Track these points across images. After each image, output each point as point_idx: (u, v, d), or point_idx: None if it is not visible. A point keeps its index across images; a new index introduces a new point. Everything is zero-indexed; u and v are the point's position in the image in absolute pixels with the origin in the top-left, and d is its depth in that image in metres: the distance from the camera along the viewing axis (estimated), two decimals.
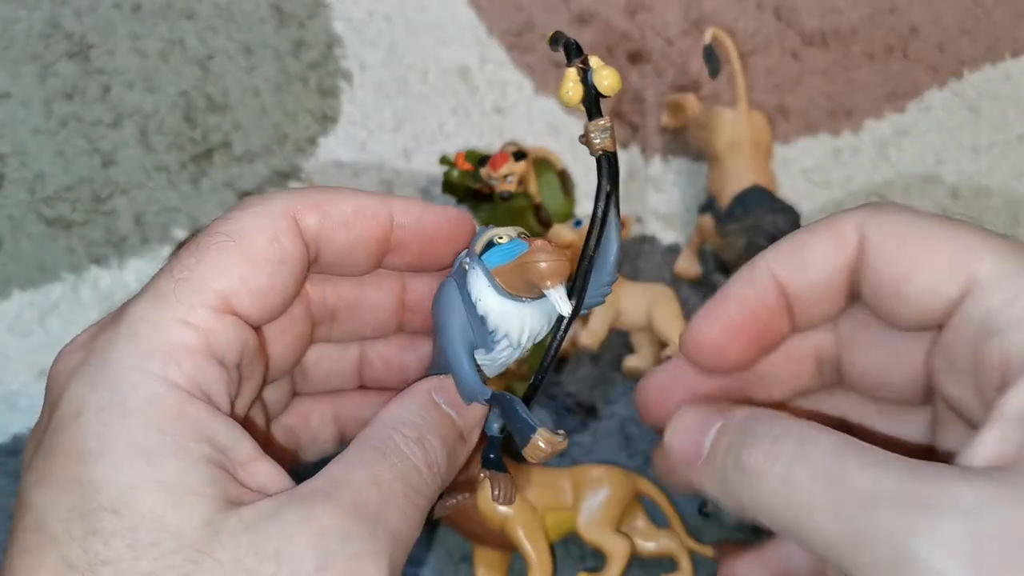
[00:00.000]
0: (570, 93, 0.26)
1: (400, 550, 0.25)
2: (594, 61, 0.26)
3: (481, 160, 0.48)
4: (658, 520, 0.43)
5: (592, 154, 0.26)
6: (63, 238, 0.52)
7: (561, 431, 0.26)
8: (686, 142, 0.56)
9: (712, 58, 0.52)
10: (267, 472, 0.25)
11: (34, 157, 0.54)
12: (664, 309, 0.47)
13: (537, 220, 0.48)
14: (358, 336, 0.32)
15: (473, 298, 0.27)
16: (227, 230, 0.26)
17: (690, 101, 0.54)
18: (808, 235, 0.27)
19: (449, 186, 0.49)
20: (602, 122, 0.26)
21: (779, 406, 0.30)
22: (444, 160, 0.50)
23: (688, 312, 0.48)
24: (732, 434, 0.25)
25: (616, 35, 0.59)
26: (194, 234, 0.46)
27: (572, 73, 0.26)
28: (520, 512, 0.41)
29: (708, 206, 0.51)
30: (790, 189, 0.55)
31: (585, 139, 0.26)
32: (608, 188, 0.26)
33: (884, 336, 0.28)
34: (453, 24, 0.59)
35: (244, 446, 0.25)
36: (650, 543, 0.43)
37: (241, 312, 0.26)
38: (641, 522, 0.43)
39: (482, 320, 0.27)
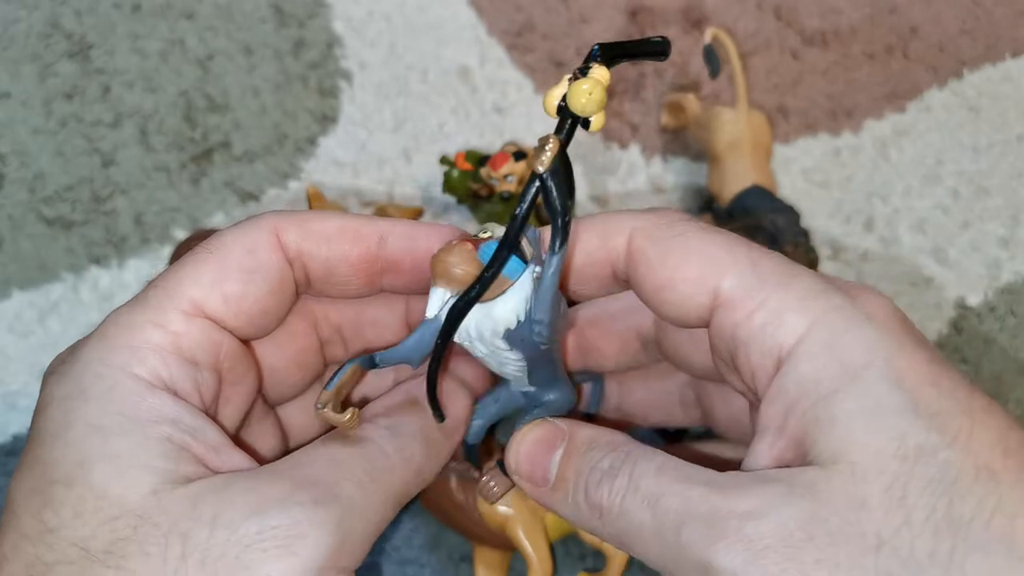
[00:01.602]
0: (588, 98, 0.23)
1: (356, 521, 0.25)
2: (600, 73, 0.23)
3: (481, 160, 0.48)
4: None
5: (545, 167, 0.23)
6: (63, 238, 0.52)
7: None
8: (686, 142, 0.56)
9: (712, 58, 0.52)
10: (240, 460, 0.26)
11: (34, 157, 0.54)
12: None
13: (537, 220, 0.48)
14: (334, 295, 0.33)
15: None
16: (209, 245, 0.28)
17: (690, 101, 0.54)
18: (583, 230, 0.28)
19: (449, 186, 0.49)
20: (547, 141, 0.23)
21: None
22: (444, 160, 0.50)
23: None
24: (576, 463, 0.27)
25: (616, 35, 0.59)
26: (188, 240, 0.46)
27: (603, 76, 0.23)
28: (520, 512, 0.41)
29: (708, 206, 0.51)
30: (790, 189, 0.55)
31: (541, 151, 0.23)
32: (521, 212, 0.24)
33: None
34: (453, 24, 0.59)
35: (211, 434, 0.26)
36: None
37: (213, 316, 0.27)
38: None
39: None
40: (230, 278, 0.27)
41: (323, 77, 0.57)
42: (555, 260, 0.25)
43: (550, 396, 0.30)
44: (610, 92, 0.25)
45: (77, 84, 0.55)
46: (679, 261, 0.26)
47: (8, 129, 0.54)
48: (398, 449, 0.27)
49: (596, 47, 0.23)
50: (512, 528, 0.41)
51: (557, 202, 0.24)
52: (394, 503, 0.27)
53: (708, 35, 0.52)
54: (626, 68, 0.58)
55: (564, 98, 0.23)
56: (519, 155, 0.48)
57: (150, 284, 0.27)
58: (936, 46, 0.60)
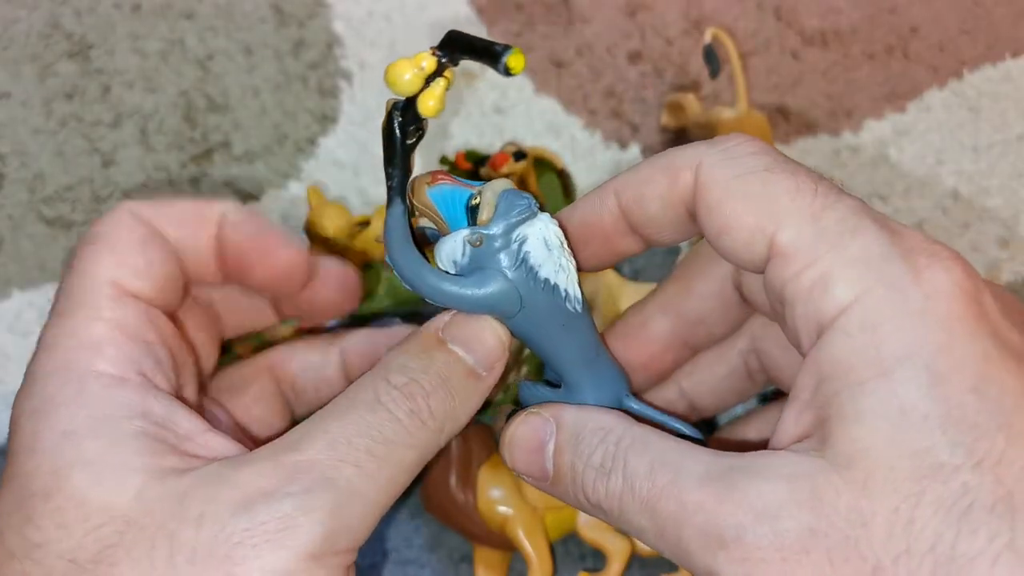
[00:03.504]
0: (406, 79, 0.24)
1: (355, 505, 0.24)
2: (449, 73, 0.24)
3: (481, 160, 0.48)
4: None
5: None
6: (63, 238, 0.52)
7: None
8: (686, 142, 0.55)
9: (712, 58, 0.52)
10: (220, 443, 0.26)
11: (34, 157, 0.54)
12: None
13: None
14: (245, 330, 0.33)
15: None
16: (86, 239, 0.28)
17: (690, 101, 0.54)
18: (652, 169, 0.27)
19: None
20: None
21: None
22: (444, 160, 0.50)
23: None
24: (570, 460, 0.26)
25: (616, 35, 0.59)
26: None
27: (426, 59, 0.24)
28: (520, 512, 0.41)
29: None
30: None
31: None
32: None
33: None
34: (453, 24, 0.59)
35: (185, 420, 0.25)
36: None
37: (134, 291, 0.27)
38: None
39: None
40: (128, 253, 0.27)
41: (323, 77, 0.57)
42: (388, 213, 0.25)
43: (575, 395, 0.28)
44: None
45: (77, 84, 0.55)
46: (738, 206, 0.24)
47: (8, 129, 0.54)
48: (412, 412, 0.25)
49: (449, 33, 0.24)
50: (512, 528, 0.41)
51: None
52: (407, 473, 0.25)
53: (708, 35, 0.52)
54: (626, 68, 0.58)
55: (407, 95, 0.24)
56: (519, 155, 0.48)
57: (60, 292, 0.27)
58: (936, 46, 0.60)
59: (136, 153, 0.54)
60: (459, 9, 0.59)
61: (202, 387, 0.31)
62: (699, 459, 0.23)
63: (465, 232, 0.26)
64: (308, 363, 0.34)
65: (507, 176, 0.47)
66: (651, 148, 0.56)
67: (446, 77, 0.24)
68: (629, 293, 0.47)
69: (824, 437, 0.22)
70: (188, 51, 0.57)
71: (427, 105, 0.24)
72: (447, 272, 0.26)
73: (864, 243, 0.23)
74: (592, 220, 0.28)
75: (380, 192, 0.54)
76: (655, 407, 0.29)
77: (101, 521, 0.23)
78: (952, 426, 0.21)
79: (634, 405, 0.28)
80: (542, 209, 0.26)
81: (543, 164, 0.50)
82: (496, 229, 0.25)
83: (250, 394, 0.33)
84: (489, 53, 0.23)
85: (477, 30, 0.59)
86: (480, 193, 0.26)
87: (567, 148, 0.55)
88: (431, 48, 0.24)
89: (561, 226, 0.27)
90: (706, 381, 0.32)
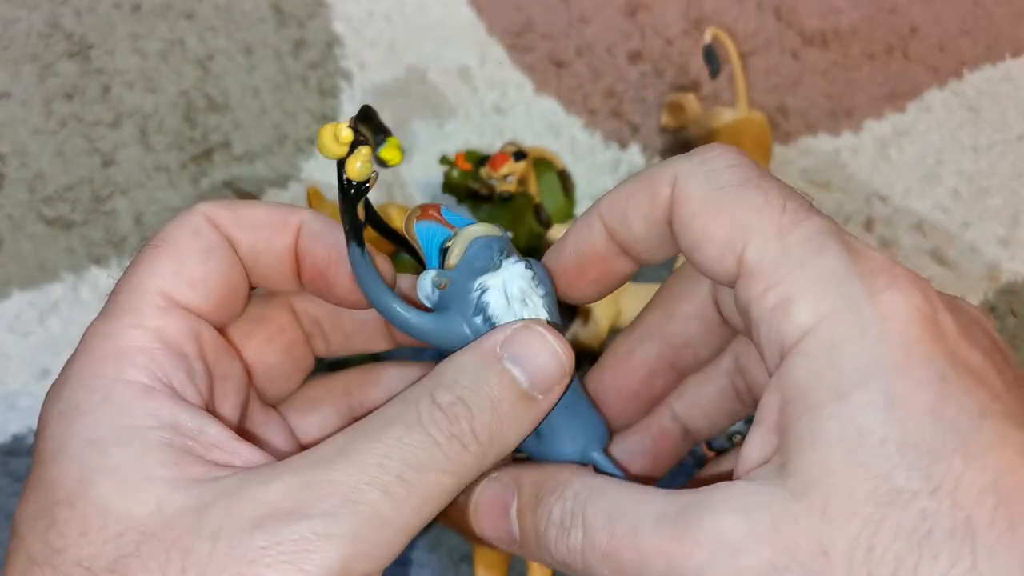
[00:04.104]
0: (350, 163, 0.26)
1: (379, 532, 0.23)
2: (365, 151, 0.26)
3: (481, 160, 0.48)
4: None
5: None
6: (63, 238, 0.52)
7: None
8: (686, 142, 0.56)
9: (712, 58, 0.52)
10: (248, 453, 0.25)
11: (34, 157, 0.54)
12: None
13: (537, 220, 0.48)
14: (356, 351, 0.32)
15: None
16: (154, 240, 0.27)
17: (690, 101, 0.54)
18: (631, 186, 0.26)
19: (449, 186, 0.49)
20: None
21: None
22: (444, 160, 0.50)
23: None
24: (532, 522, 0.25)
25: (616, 35, 0.59)
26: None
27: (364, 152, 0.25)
28: None
29: None
30: None
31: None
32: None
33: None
34: (453, 24, 0.59)
35: (213, 430, 0.25)
36: None
37: (184, 303, 0.27)
38: None
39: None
40: (189, 263, 0.27)
41: (323, 77, 0.57)
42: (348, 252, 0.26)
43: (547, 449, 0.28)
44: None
45: (77, 84, 0.55)
46: (709, 220, 0.24)
47: (8, 129, 0.54)
48: (453, 436, 0.24)
49: (362, 107, 0.25)
50: None
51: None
52: (440, 498, 0.24)
53: (708, 35, 0.52)
54: (626, 68, 0.58)
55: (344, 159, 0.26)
56: (519, 155, 0.48)
57: (113, 292, 0.27)
58: (936, 46, 0.60)
59: (136, 153, 0.54)
60: (459, 9, 0.59)
61: (259, 402, 0.31)
62: (654, 501, 0.23)
63: (432, 273, 0.27)
64: (392, 387, 0.32)
65: (507, 176, 0.47)
66: (651, 148, 0.56)
67: (370, 145, 0.25)
68: (630, 293, 0.47)
69: (783, 463, 0.22)
70: (188, 51, 0.57)
71: (354, 168, 0.26)
72: (415, 305, 0.27)
73: (826, 263, 0.22)
74: (584, 248, 0.28)
75: (380, 193, 0.54)
76: (619, 465, 0.28)
77: (120, 530, 0.23)
78: (909, 450, 0.21)
79: (600, 460, 0.28)
80: (531, 254, 0.27)
81: (543, 164, 0.50)
82: (458, 276, 0.26)
83: (322, 413, 0.32)
84: (375, 137, 0.25)
85: (477, 30, 0.59)
86: (455, 237, 0.26)
87: (567, 148, 0.55)
88: (350, 118, 0.25)
89: (552, 263, 0.28)
90: (698, 404, 0.32)
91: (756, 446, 0.23)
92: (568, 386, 0.26)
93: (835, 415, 0.21)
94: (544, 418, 0.26)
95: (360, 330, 0.31)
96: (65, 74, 0.56)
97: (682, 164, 0.25)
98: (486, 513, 0.27)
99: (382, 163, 0.25)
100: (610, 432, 0.29)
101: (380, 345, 0.32)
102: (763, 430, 0.23)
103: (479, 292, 0.26)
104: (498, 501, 0.26)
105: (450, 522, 0.43)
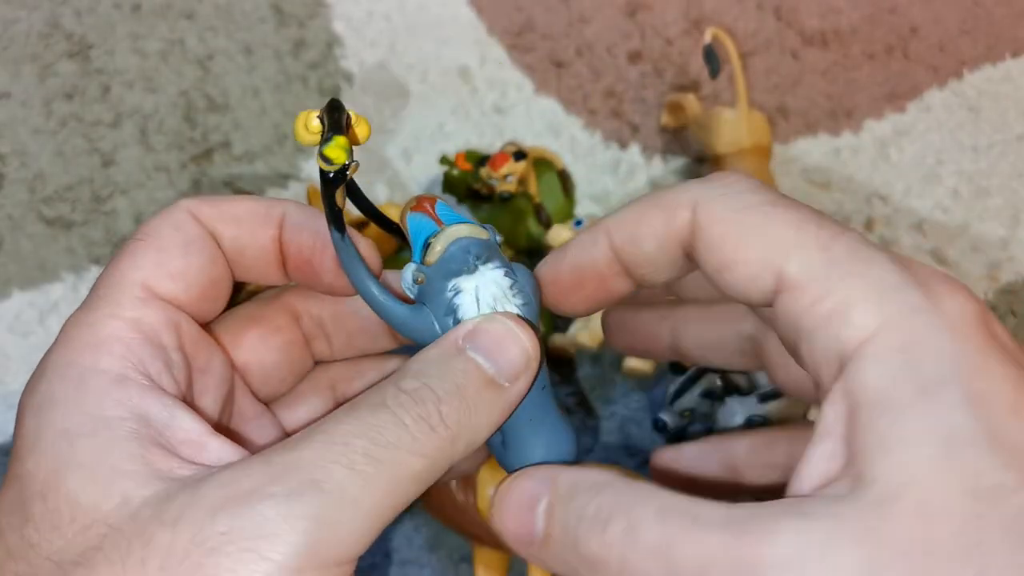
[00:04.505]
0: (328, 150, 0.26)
1: (345, 512, 0.22)
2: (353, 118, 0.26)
3: (481, 160, 0.48)
4: None
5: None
6: (63, 238, 0.52)
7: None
8: (686, 142, 0.56)
9: (712, 58, 0.52)
10: (219, 448, 0.25)
11: (34, 157, 0.54)
12: None
13: (537, 220, 0.48)
14: (360, 351, 0.32)
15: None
16: (136, 234, 0.27)
17: (690, 101, 0.54)
18: (645, 207, 0.26)
19: (449, 186, 0.49)
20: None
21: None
22: (444, 160, 0.50)
23: None
24: (562, 514, 0.24)
25: (616, 35, 0.59)
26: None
27: (340, 141, 0.26)
28: None
29: None
30: (790, 189, 0.55)
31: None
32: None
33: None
34: (453, 24, 0.59)
35: (186, 423, 0.25)
36: None
37: (164, 294, 0.27)
38: None
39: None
40: (170, 255, 0.27)
41: (323, 77, 0.57)
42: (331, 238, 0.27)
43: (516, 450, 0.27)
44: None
45: (77, 84, 0.55)
46: (740, 240, 0.24)
47: (8, 129, 0.54)
48: (420, 417, 0.24)
49: (330, 101, 0.26)
50: None
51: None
52: (412, 482, 0.24)
53: (708, 35, 0.52)
54: (626, 68, 0.58)
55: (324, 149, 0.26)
56: (519, 155, 0.48)
57: (95, 285, 0.27)
58: (936, 46, 0.60)
59: (136, 153, 0.54)
60: (459, 9, 0.59)
61: (252, 398, 0.31)
62: (715, 507, 0.22)
63: (412, 266, 0.27)
64: (374, 380, 0.32)
65: (507, 176, 0.47)
66: (651, 148, 0.56)
67: (344, 135, 0.26)
68: None
69: (860, 474, 0.21)
70: (188, 51, 0.57)
71: (330, 154, 0.26)
72: (397, 292, 0.27)
73: (879, 271, 0.22)
74: (584, 262, 0.27)
75: (379, 192, 0.54)
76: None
77: (87, 524, 0.22)
78: (998, 447, 0.20)
79: None
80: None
81: (543, 164, 0.50)
82: (433, 273, 0.26)
83: (308, 405, 0.32)
84: (324, 134, 0.26)
85: (477, 30, 0.59)
86: (439, 234, 0.26)
87: (567, 148, 0.55)
88: (320, 109, 0.26)
89: (548, 272, 0.28)
90: (700, 335, 0.32)
91: (821, 461, 0.22)
92: (534, 381, 0.26)
93: (920, 414, 0.21)
94: (513, 412, 0.26)
95: (363, 330, 0.31)
96: (65, 74, 0.56)
97: (701, 188, 0.25)
98: (511, 505, 0.25)
99: (326, 159, 0.25)
100: (578, 447, 0.29)
101: (383, 345, 0.32)
102: (830, 443, 0.22)
103: (452, 293, 0.26)
104: (527, 494, 0.25)
105: (450, 522, 0.43)
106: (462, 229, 0.26)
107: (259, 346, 0.30)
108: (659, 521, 0.22)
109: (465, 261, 0.26)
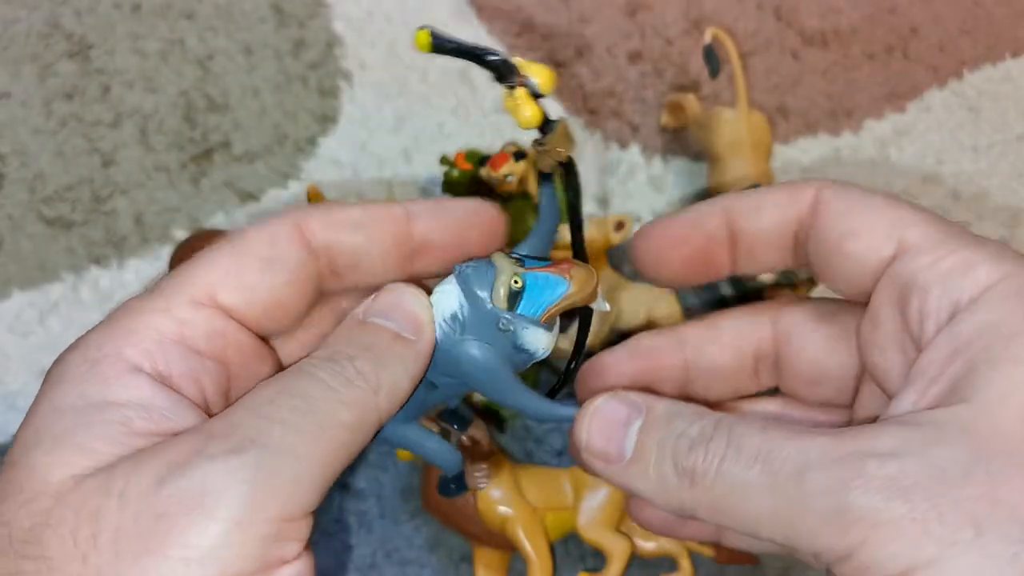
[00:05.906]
0: (528, 115, 0.26)
1: (285, 464, 0.23)
2: (522, 65, 0.26)
3: (481, 160, 0.48)
4: None
5: (549, 168, 0.26)
6: (63, 238, 0.52)
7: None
8: (686, 142, 0.56)
9: (712, 58, 0.52)
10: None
11: (34, 157, 0.54)
12: (664, 310, 0.47)
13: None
14: (366, 286, 0.32)
15: (530, 349, 0.27)
16: (231, 237, 0.27)
17: (690, 101, 0.54)
18: (769, 189, 0.29)
19: (449, 186, 0.49)
20: (560, 128, 0.26)
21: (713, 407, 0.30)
22: (444, 160, 0.50)
23: (688, 314, 0.48)
24: (659, 434, 0.25)
25: (616, 35, 0.59)
26: (188, 240, 0.45)
27: (523, 93, 0.26)
28: (520, 512, 0.41)
29: None
30: None
31: (544, 151, 0.26)
32: (573, 196, 0.27)
33: (821, 327, 0.30)
34: (453, 24, 0.59)
35: (189, 424, 0.25)
36: (650, 543, 0.43)
37: (225, 305, 0.27)
38: None
39: (526, 352, 0.27)
40: (247, 267, 0.27)
41: (323, 77, 0.57)
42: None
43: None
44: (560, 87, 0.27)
45: (77, 84, 0.55)
46: (866, 212, 0.26)
47: (8, 129, 0.54)
48: (336, 372, 0.25)
49: (501, 57, 0.27)
50: (512, 528, 0.41)
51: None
52: (345, 431, 0.24)
53: (708, 35, 0.52)
54: (626, 68, 0.58)
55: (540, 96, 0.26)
56: (519, 155, 0.48)
57: (169, 274, 0.27)
58: (936, 46, 0.60)
59: (136, 153, 0.54)
60: (459, 9, 0.59)
61: None
62: (816, 429, 0.23)
63: (505, 315, 0.27)
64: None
65: (507, 176, 0.47)
66: (651, 148, 0.56)
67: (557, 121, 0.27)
68: (630, 294, 0.47)
69: (962, 394, 0.22)
70: (188, 51, 0.57)
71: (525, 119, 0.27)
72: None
73: (992, 243, 0.25)
74: (696, 222, 0.29)
75: (379, 192, 0.54)
76: None
77: (31, 496, 0.23)
78: None
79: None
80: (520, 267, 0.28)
81: None
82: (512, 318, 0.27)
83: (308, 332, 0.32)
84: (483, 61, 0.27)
85: (476, 30, 0.59)
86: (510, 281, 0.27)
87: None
88: (507, 84, 0.27)
89: (655, 228, 0.29)
90: (711, 368, 0.32)
91: (910, 400, 0.23)
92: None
93: None
94: (430, 361, 0.27)
95: (375, 262, 0.31)
96: (65, 74, 0.56)
97: (823, 181, 0.28)
98: (601, 422, 0.26)
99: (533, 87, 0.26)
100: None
101: (391, 275, 0.31)
102: (923, 383, 0.23)
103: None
104: (621, 414, 0.26)
105: (450, 522, 0.43)
106: (496, 256, 0.28)
107: (299, 350, 0.30)
108: (761, 435, 0.23)
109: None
